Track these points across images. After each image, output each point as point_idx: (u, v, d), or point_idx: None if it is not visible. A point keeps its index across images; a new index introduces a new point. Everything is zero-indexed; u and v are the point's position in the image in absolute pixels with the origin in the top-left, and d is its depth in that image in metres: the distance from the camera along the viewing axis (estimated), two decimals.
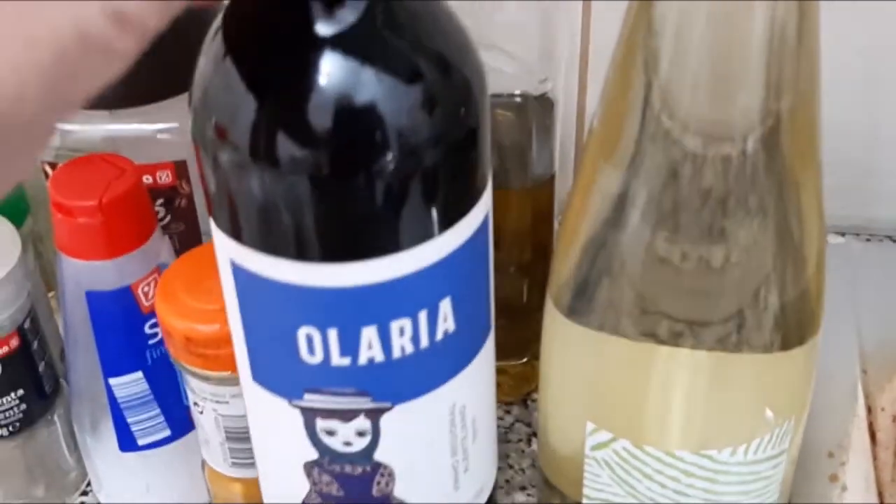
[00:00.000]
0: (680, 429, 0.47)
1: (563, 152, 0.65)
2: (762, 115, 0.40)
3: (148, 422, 0.60)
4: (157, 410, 0.60)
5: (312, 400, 0.43)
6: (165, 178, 0.63)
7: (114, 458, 0.62)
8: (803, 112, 0.41)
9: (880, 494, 0.56)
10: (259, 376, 0.44)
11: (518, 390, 0.68)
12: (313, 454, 0.45)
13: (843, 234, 0.80)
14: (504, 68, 0.55)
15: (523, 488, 0.64)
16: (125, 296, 0.56)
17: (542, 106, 0.61)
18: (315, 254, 0.40)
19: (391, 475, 0.46)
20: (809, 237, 0.44)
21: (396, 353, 0.42)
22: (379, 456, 0.45)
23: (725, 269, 0.43)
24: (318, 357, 0.42)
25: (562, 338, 0.48)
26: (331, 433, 0.44)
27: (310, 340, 0.41)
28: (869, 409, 0.60)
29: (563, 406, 0.50)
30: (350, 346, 0.41)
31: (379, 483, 0.46)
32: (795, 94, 0.40)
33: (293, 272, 0.40)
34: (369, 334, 0.41)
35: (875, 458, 0.57)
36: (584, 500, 0.50)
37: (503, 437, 0.66)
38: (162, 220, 0.63)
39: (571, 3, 0.72)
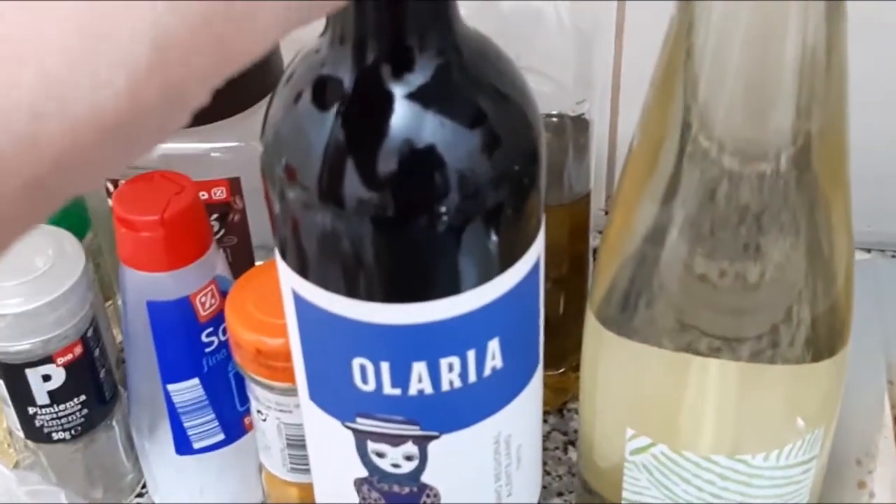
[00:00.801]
0: (715, 435, 0.48)
1: (596, 170, 0.66)
2: (794, 134, 0.41)
3: (203, 426, 0.62)
4: (213, 415, 0.62)
5: (364, 424, 0.45)
6: (220, 194, 0.65)
7: (170, 461, 0.64)
8: (833, 130, 0.42)
9: None
10: (316, 397, 0.46)
11: (555, 400, 0.70)
12: (363, 472, 0.47)
13: (868, 251, 0.81)
14: (542, 89, 0.57)
15: (560, 494, 0.66)
16: (184, 306, 0.58)
17: (577, 126, 0.62)
18: (371, 293, 0.41)
19: (437, 496, 0.47)
20: (839, 253, 0.45)
21: (445, 387, 0.43)
22: (426, 478, 0.46)
23: (760, 285, 0.44)
24: (370, 386, 0.43)
25: (602, 349, 0.50)
26: (380, 455, 0.46)
27: (363, 370, 0.43)
28: (895, 419, 0.61)
29: (604, 413, 0.51)
30: (401, 378, 0.43)
31: (425, 503, 0.48)
32: (825, 113, 0.41)
33: (349, 308, 0.41)
34: (419, 369, 0.43)
35: None
36: (623, 503, 0.52)
37: None
38: (216, 233, 0.65)
39: (605, 29, 0.73)
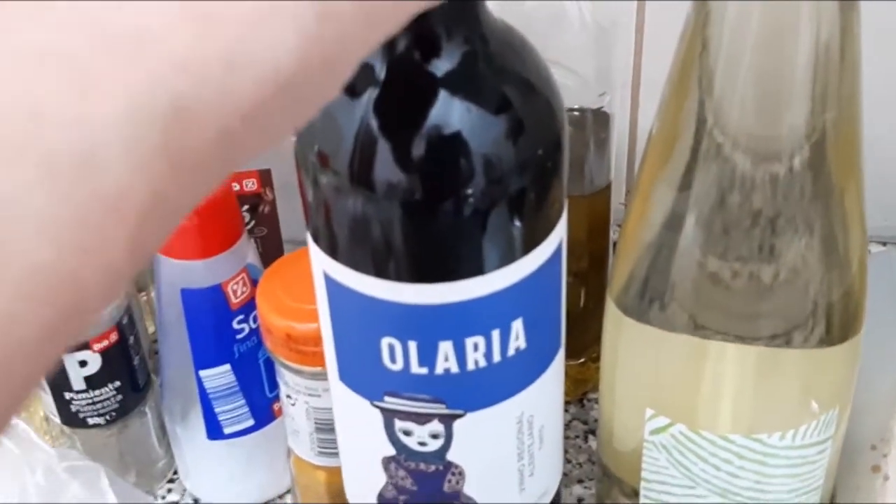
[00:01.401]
0: (732, 415, 0.49)
1: (616, 165, 0.67)
2: (809, 126, 0.42)
3: (234, 412, 0.64)
4: (243, 401, 0.63)
5: (392, 402, 0.46)
6: (251, 185, 0.66)
7: (201, 446, 0.65)
8: (847, 120, 0.43)
9: None
10: (345, 377, 0.47)
11: (575, 391, 0.71)
12: (391, 450, 0.48)
13: (884, 244, 0.81)
14: (565, 83, 0.58)
15: (580, 481, 0.67)
16: (216, 293, 0.60)
17: (598, 120, 0.63)
18: (399, 274, 0.42)
19: (461, 474, 0.48)
20: (853, 239, 0.46)
21: (470, 366, 0.45)
22: (451, 456, 0.48)
23: (776, 273, 0.45)
24: (398, 365, 0.45)
25: (622, 334, 0.51)
26: (407, 433, 0.47)
27: (391, 349, 0.44)
28: None
29: (624, 395, 0.52)
30: (428, 357, 0.44)
31: (450, 481, 0.49)
32: (840, 106, 0.42)
33: (378, 288, 0.43)
34: (446, 348, 0.44)
35: None
36: (642, 483, 0.53)
37: None
38: (247, 224, 0.67)
39: (626, 26, 0.74)
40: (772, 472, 0.50)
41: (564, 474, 0.64)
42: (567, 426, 0.70)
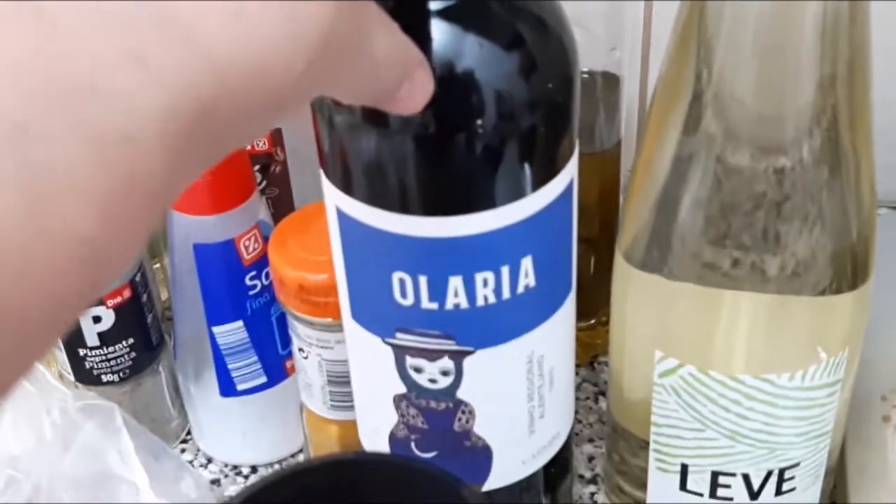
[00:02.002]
0: (741, 356, 0.49)
1: (626, 129, 0.67)
2: (818, 80, 0.43)
3: (246, 368, 0.64)
4: (255, 358, 0.64)
5: (403, 339, 0.47)
6: (262, 144, 0.66)
7: (214, 403, 0.66)
8: (859, 70, 0.43)
9: None
10: (357, 314, 0.48)
11: (585, 355, 0.71)
12: (402, 388, 0.48)
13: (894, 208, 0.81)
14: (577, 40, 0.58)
15: (591, 440, 0.68)
16: (228, 248, 0.60)
17: (608, 82, 0.63)
18: (411, 206, 0.43)
19: (471, 413, 0.49)
20: (863, 193, 0.46)
21: (480, 302, 0.45)
22: (461, 394, 0.48)
23: (783, 221, 0.45)
24: (409, 300, 0.45)
25: (630, 285, 0.51)
26: (418, 370, 0.47)
27: (402, 284, 0.45)
28: None
29: (633, 341, 0.53)
30: (438, 292, 0.45)
31: (460, 419, 0.49)
32: (851, 57, 0.42)
33: (390, 221, 0.43)
34: (455, 283, 0.44)
35: None
36: (652, 428, 0.53)
37: None
38: (258, 184, 0.67)
39: None
40: (781, 413, 0.50)
41: (576, 434, 0.65)
42: (578, 388, 0.70)
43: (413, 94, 0.36)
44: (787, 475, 0.53)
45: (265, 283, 0.62)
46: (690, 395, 0.50)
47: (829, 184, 0.45)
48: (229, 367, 0.64)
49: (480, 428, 0.49)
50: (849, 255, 0.47)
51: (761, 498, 0.53)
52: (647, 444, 0.54)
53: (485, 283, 0.45)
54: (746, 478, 0.53)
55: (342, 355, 0.56)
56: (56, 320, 0.24)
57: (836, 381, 0.50)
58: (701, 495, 0.54)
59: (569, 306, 0.50)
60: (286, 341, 0.62)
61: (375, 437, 0.52)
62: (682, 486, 0.54)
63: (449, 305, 0.45)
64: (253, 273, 0.61)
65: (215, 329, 0.62)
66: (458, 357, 0.47)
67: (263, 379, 0.65)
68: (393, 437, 0.51)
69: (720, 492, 0.53)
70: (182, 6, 0.24)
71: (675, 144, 0.46)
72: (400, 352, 0.47)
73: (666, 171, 0.47)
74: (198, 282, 0.61)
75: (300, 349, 0.58)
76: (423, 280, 0.44)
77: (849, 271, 0.48)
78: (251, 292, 0.62)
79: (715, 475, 0.53)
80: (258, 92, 0.26)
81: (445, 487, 0.48)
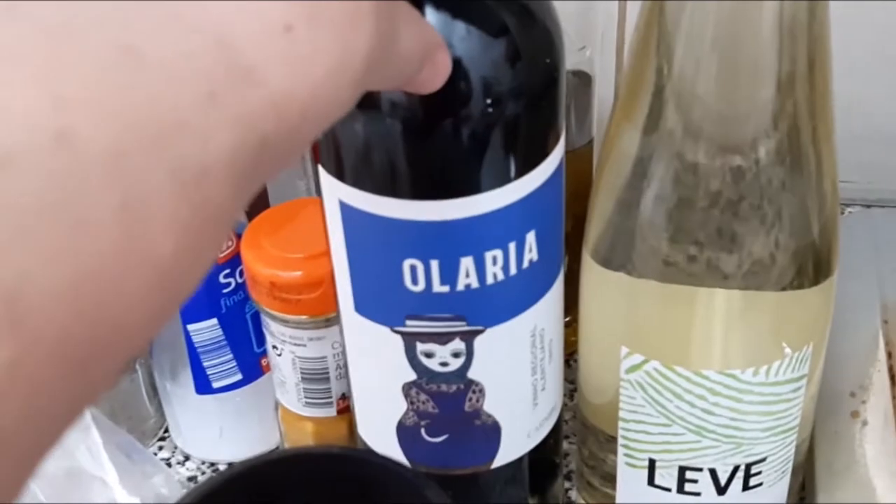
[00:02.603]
0: (705, 352, 0.50)
1: (599, 128, 0.67)
2: (777, 75, 0.43)
3: (222, 366, 0.64)
4: (231, 355, 0.64)
5: (414, 325, 0.47)
6: None
7: (191, 401, 0.66)
8: (818, 65, 0.44)
9: None
10: (362, 308, 0.48)
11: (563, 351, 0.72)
12: (411, 375, 0.49)
13: (869, 206, 0.82)
14: None
15: (567, 437, 0.67)
16: None
17: (579, 81, 0.64)
18: (420, 191, 0.43)
19: (482, 392, 0.49)
20: (825, 187, 0.47)
21: (490, 280, 0.46)
22: (472, 374, 0.49)
23: (744, 217, 0.46)
24: (420, 286, 0.45)
25: (596, 283, 0.52)
26: (429, 355, 0.48)
27: (413, 271, 0.45)
28: (889, 355, 0.63)
29: (600, 338, 0.53)
30: (450, 274, 0.45)
31: (471, 399, 0.49)
32: (808, 57, 0.43)
33: (399, 209, 0.44)
34: (466, 263, 0.45)
35: (894, 397, 0.60)
36: (620, 423, 0.53)
37: None
38: None
39: None
40: (746, 408, 0.50)
41: None
42: None
43: (435, 75, 0.37)
44: (753, 470, 0.53)
45: (239, 280, 0.62)
46: (656, 391, 0.51)
47: (789, 182, 0.45)
48: (205, 364, 0.64)
49: (490, 406, 0.50)
50: (810, 251, 0.48)
51: (729, 493, 0.54)
52: (616, 439, 0.54)
53: (494, 261, 0.45)
54: (713, 473, 0.53)
55: (315, 353, 0.56)
56: (131, 347, 0.25)
57: (802, 377, 0.50)
58: (669, 490, 0.54)
59: (561, 279, 0.51)
60: (261, 340, 0.62)
61: (380, 429, 0.52)
62: (651, 482, 0.54)
63: (460, 286, 0.46)
64: (227, 271, 0.61)
65: (190, 327, 0.62)
66: (469, 337, 0.47)
67: (239, 376, 0.65)
68: (401, 426, 0.51)
69: (688, 486, 0.54)
70: (247, 50, 0.26)
71: (636, 142, 0.46)
72: (410, 339, 0.48)
73: (628, 168, 0.47)
74: None
75: (274, 346, 0.58)
76: (434, 264, 0.45)
77: (810, 268, 0.48)
78: (225, 290, 0.62)
79: (682, 470, 0.53)
80: (311, 121, 0.28)
81: (408, 485, 0.49)
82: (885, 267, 0.68)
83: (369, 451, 0.53)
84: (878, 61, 0.77)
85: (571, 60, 0.62)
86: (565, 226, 0.63)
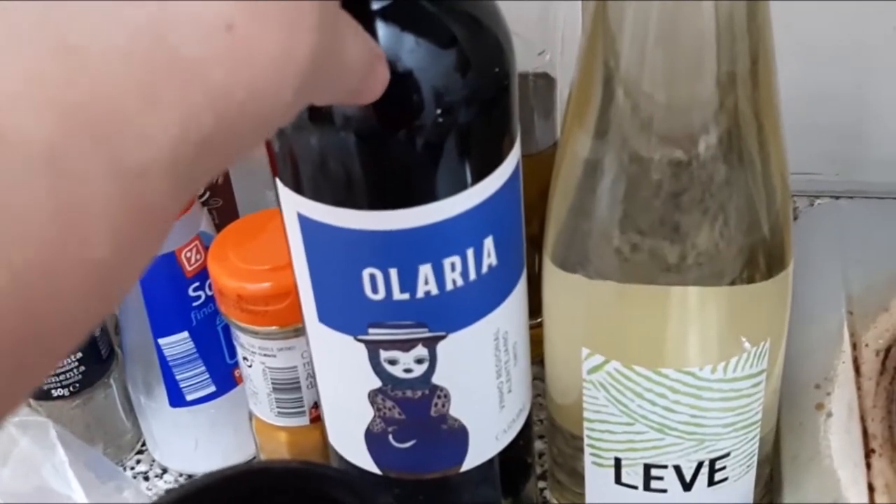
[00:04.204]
0: (663, 350, 0.50)
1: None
2: (721, 74, 0.43)
3: (194, 378, 0.65)
4: (203, 368, 0.65)
5: (376, 334, 0.48)
6: None
7: (165, 414, 0.66)
8: (763, 64, 0.44)
9: (863, 419, 0.59)
10: (325, 318, 0.49)
11: (535, 352, 0.72)
12: (377, 383, 0.49)
13: (837, 197, 0.83)
14: None
15: (541, 437, 0.67)
16: (170, 261, 0.61)
17: (542, 83, 0.65)
18: (377, 201, 0.44)
19: (447, 397, 0.50)
20: (775, 182, 0.47)
21: (449, 286, 0.46)
22: (436, 379, 0.49)
23: (696, 222, 0.46)
24: (380, 294, 0.46)
25: (556, 285, 0.52)
26: (392, 362, 0.48)
27: (373, 280, 0.46)
28: (854, 346, 0.63)
29: (563, 340, 0.53)
30: (409, 282, 0.46)
31: (436, 405, 0.50)
32: (751, 56, 0.43)
33: (356, 219, 0.44)
34: (425, 271, 0.46)
35: (859, 388, 0.60)
36: (585, 423, 0.54)
37: None
38: (201, 197, 0.67)
39: None
40: (706, 405, 0.51)
41: None
42: None
43: (375, 85, 0.37)
44: (718, 465, 0.53)
45: (209, 293, 0.62)
46: (618, 391, 0.51)
47: (735, 177, 0.46)
48: (177, 377, 0.64)
49: (456, 410, 0.51)
50: (761, 246, 0.48)
51: (694, 489, 0.54)
52: (583, 439, 0.55)
53: (452, 267, 0.46)
54: (678, 469, 0.53)
55: (286, 363, 0.57)
56: (67, 345, 0.25)
57: (761, 372, 0.51)
58: (636, 488, 0.55)
59: (523, 282, 0.51)
60: (233, 350, 0.63)
61: (349, 437, 0.53)
62: (618, 480, 0.55)
63: (420, 294, 0.46)
64: (196, 284, 0.62)
65: (161, 341, 0.63)
66: (431, 343, 0.48)
67: (212, 388, 0.66)
68: (369, 433, 0.52)
69: (654, 484, 0.54)
70: (188, 47, 0.26)
71: (587, 144, 0.47)
72: (373, 347, 0.48)
73: (580, 170, 0.48)
74: (142, 295, 0.62)
75: (244, 358, 0.59)
76: (393, 273, 0.45)
77: (762, 262, 0.49)
78: (195, 303, 0.63)
79: (647, 468, 0.54)
80: (250, 119, 0.28)
81: (361, 496, 0.50)
82: (850, 258, 0.68)
83: (321, 465, 0.54)
84: (844, 53, 0.77)
85: (533, 64, 0.63)
86: (533, 228, 0.64)
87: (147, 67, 0.25)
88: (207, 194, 0.69)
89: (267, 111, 0.29)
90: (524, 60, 0.63)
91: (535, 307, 0.63)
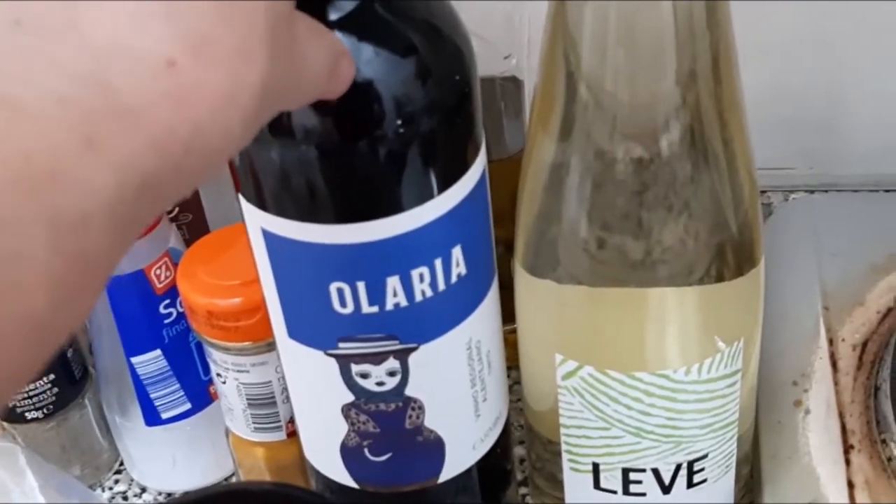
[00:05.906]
0: (636, 354, 0.50)
1: None
2: (682, 73, 0.43)
3: (169, 396, 0.64)
4: (177, 385, 0.64)
5: (346, 347, 0.47)
6: None
7: (141, 433, 0.66)
8: (724, 64, 0.44)
9: (841, 415, 0.59)
10: (295, 333, 0.48)
11: (515, 356, 0.72)
12: (349, 397, 0.49)
13: (812, 192, 0.83)
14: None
15: (522, 442, 0.67)
16: (139, 279, 0.60)
17: (509, 87, 0.65)
18: (340, 215, 0.44)
19: (421, 408, 0.50)
20: (742, 180, 0.47)
21: (418, 297, 0.46)
22: (409, 391, 0.49)
23: (663, 214, 0.46)
24: (349, 308, 0.46)
25: (527, 291, 0.52)
26: (364, 376, 0.48)
27: (341, 294, 0.45)
28: (830, 342, 0.63)
29: (537, 346, 0.53)
30: (377, 295, 0.45)
31: (410, 416, 0.50)
32: (711, 48, 0.43)
33: (321, 233, 0.44)
34: (393, 283, 0.45)
35: (836, 383, 0.60)
36: (562, 429, 0.53)
37: None
38: (170, 212, 0.67)
39: None
40: (681, 407, 0.51)
41: None
42: (509, 390, 0.70)
43: (339, 82, 0.37)
44: (696, 467, 0.53)
45: (180, 310, 0.62)
46: (593, 396, 0.51)
47: (700, 175, 0.45)
48: (152, 396, 0.64)
49: (431, 421, 0.50)
50: (729, 243, 0.48)
51: (673, 491, 0.54)
52: (554, 442, 0.55)
53: (421, 278, 0.46)
54: (656, 472, 0.53)
55: (260, 378, 0.57)
56: (5, 394, 0.25)
57: (735, 372, 0.51)
58: (615, 492, 0.54)
59: (495, 289, 0.51)
60: (207, 367, 0.62)
61: (325, 452, 0.53)
62: (596, 485, 0.55)
63: (389, 306, 0.46)
64: (167, 301, 0.62)
65: (134, 360, 0.63)
66: (402, 355, 0.48)
67: (188, 406, 0.65)
68: (344, 448, 0.51)
69: (633, 487, 0.54)
70: (127, 89, 0.26)
71: (552, 148, 0.47)
72: (344, 361, 0.48)
73: (545, 175, 0.47)
74: (112, 313, 0.61)
75: (218, 374, 0.58)
76: (361, 286, 0.45)
77: (731, 259, 0.48)
78: (167, 321, 0.62)
79: (626, 472, 0.53)
80: (197, 155, 0.28)
81: None
82: (826, 252, 0.68)
83: (296, 487, 0.54)
84: (815, 48, 0.78)
85: (500, 67, 0.63)
86: (508, 232, 0.64)
87: (84, 113, 0.25)
88: (177, 210, 0.68)
89: (215, 145, 0.28)
90: (491, 64, 0.63)
91: (512, 312, 0.63)
